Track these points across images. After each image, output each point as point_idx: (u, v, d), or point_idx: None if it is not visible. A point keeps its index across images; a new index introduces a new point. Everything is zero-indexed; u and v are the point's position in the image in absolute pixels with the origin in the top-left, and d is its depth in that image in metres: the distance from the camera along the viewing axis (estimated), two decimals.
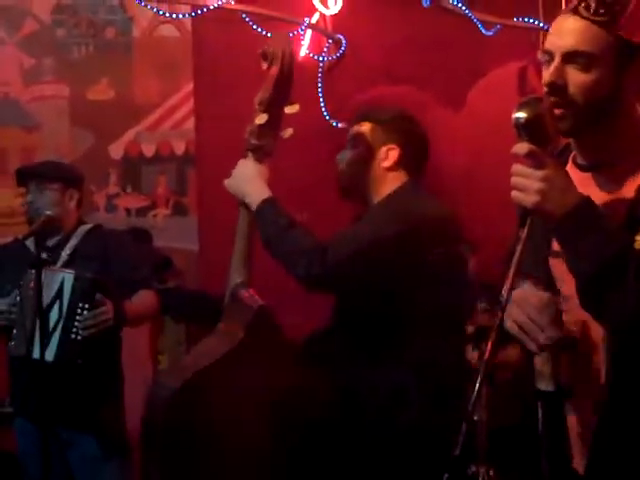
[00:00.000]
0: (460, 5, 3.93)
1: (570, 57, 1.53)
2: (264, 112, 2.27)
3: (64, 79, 4.06)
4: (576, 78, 1.53)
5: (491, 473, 2.17)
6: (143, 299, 3.08)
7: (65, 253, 3.07)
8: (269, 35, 3.85)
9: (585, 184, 1.57)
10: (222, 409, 2.17)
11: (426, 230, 2.28)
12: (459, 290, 2.28)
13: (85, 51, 4.09)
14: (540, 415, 1.75)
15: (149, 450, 2.28)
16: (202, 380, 2.19)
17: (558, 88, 1.53)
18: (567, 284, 1.59)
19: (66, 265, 3.04)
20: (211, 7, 3.70)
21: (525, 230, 1.47)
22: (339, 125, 3.97)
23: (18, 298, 2.95)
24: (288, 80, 2.28)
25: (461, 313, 2.26)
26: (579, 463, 1.63)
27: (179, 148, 4.11)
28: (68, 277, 2.92)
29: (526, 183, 1.47)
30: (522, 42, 3.93)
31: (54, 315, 2.90)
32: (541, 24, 3.92)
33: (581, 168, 1.63)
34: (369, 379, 2.31)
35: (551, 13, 3.86)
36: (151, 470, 2.28)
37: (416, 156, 2.42)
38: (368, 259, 2.23)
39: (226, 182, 2.33)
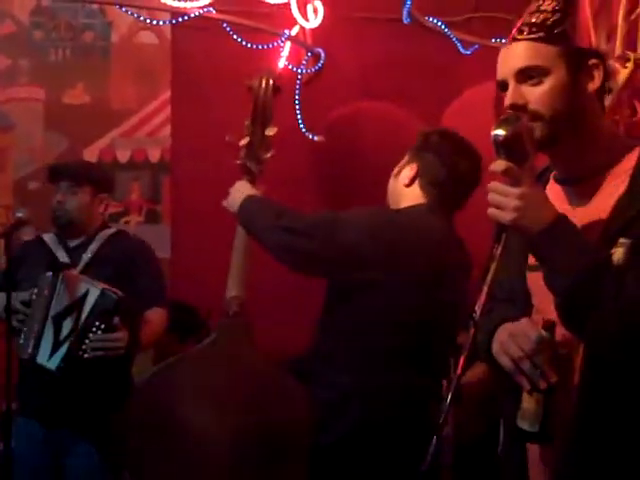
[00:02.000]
0: (440, 24, 3.97)
1: (522, 75, 1.57)
2: (247, 135, 2.44)
3: (40, 82, 4.03)
4: (533, 93, 1.56)
5: None
6: (157, 321, 3.00)
7: (86, 256, 3.00)
8: (248, 46, 3.87)
9: (561, 198, 1.60)
10: (184, 406, 2.21)
11: (406, 244, 2.25)
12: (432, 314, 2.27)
13: (62, 54, 4.06)
14: (502, 441, 1.76)
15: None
16: (165, 374, 2.26)
17: (519, 108, 1.56)
18: (539, 297, 1.60)
19: (86, 268, 2.96)
20: (192, 15, 3.70)
21: (499, 247, 1.49)
22: (315, 138, 3.98)
23: (33, 297, 2.86)
24: (263, 113, 2.45)
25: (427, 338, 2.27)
26: None
27: (154, 155, 4.09)
28: (94, 291, 2.81)
29: (503, 200, 1.48)
30: None
31: (67, 325, 2.81)
32: None
33: (558, 182, 1.65)
34: (319, 383, 2.31)
35: None
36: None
37: (436, 182, 2.35)
38: (375, 243, 2.21)
39: (224, 203, 2.40)
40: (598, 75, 1.58)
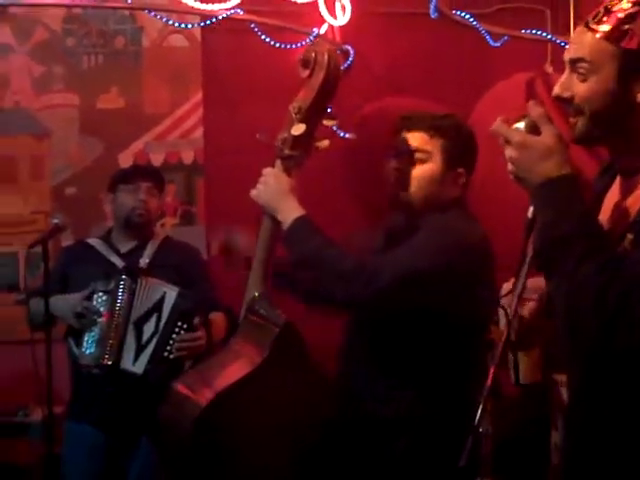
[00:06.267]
0: (467, 17, 3.94)
1: (573, 65, 1.55)
2: (302, 122, 2.14)
3: (74, 88, 4.08)
4: (578, 88, 1.54)
5: None
6: (220, 322, 2.97)
7: (144, 261, 3.01)
8: (277, 45, 3.88)
9: (618, 188, 1.59)
10: (247, 430, 2.10)
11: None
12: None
13: (95, 60, 4.11)
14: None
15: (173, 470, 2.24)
16: (227, 401, 2.09)
17: (564, 99, 1.55)
18: None
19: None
20: (220, 17, 3.72)
21: (530, 242, 1.49)
22: (347, 136, 3.99)
23: (100, 302, 2.86)
24: (332, 88, 2.15)
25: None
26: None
27: (187, 157, 4.12)
28: (170, 292, 2.86)
29: (507, 151, 1.50)
30: (529, 53, 3.94)
31: (149, 329, 2.85)
32: (549, 36, 3.94)
33: (618, 172, 1.64)
34: (377, 401, 2.28)
35: (559, 24, 3.88)
36: None
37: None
38: (412, 288, 2.13)
39: (254, 193, 2.22)
40: None
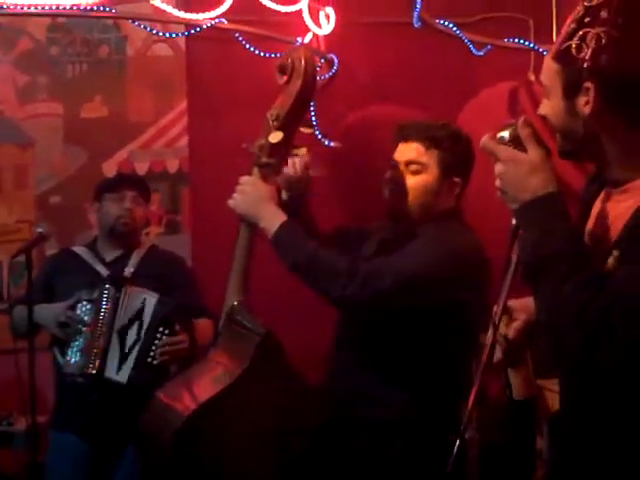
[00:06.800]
0: (451, 26, 3.97)
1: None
2: (279, 129, 2.13)
3: (58, 97, 4.07)
4: (546, 107, 1.58)
5: None
6: (206, 327, 2.96)
7: (129, 270, 3.01)
8: (262, 54, 3.89)
9: (602, 198, 1.60)
10: (229, 440, 2.10)
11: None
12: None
13: (79, 69, 4.11)
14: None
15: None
16: (209, 411, 2.09)
17: (544, 118, 1.59)
18: None
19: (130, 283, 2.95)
20: (204, 26, 3.73)
21: (515, 250, 1.50)
22: (332, 144, 4.00)
23: (84, 311, 2.86)
24: (310, 95, 2.15)
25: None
26: None
27: (172, 166, 4.12)
28: (150, 299, 2.86)
29: (496, 167, 1.52)
30: (513, 62, 3.97)
31: (131, 337, 2.84)
32: (532, 45, 3.97)
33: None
34: (367, 406, 2.29)
35: (542, 34, 3.91)
36: None
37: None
38: (412, 293, 2.16)
39: (231, 202, 2.21)
40: (591, 97, 1.49)
